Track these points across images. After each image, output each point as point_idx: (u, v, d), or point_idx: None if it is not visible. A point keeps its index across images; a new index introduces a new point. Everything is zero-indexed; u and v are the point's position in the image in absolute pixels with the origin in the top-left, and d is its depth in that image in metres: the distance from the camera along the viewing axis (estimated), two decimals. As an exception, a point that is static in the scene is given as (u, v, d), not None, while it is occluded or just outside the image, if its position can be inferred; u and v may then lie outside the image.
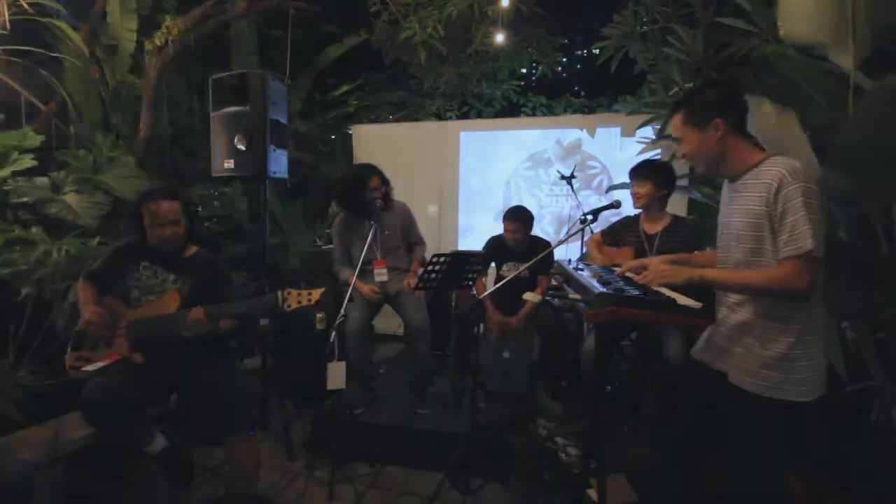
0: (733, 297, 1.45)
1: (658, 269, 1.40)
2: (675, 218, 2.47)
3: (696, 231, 2.41)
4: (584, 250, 3.12)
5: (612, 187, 3.53)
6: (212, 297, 1.97)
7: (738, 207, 1.39)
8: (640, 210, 2.52)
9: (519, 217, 2.84)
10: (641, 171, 2.45)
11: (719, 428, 1.49)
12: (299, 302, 1.90)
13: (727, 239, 1.45)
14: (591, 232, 2.60)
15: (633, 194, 2.48)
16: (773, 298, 1.33)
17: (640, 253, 2.43)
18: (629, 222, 2.58)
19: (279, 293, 1.90)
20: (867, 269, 1.75)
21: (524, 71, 5.91)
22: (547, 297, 3.00)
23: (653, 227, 2.46)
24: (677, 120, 1.44)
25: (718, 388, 1.44)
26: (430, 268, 2.22)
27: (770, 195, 1.27)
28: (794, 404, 1.31)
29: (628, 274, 1.55)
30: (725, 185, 1.49)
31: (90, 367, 1.87)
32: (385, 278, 2.74)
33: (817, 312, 1.34)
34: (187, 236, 2.07)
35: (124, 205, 2.06)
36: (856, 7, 1.72)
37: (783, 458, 1.40)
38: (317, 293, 1.92)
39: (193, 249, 2.13)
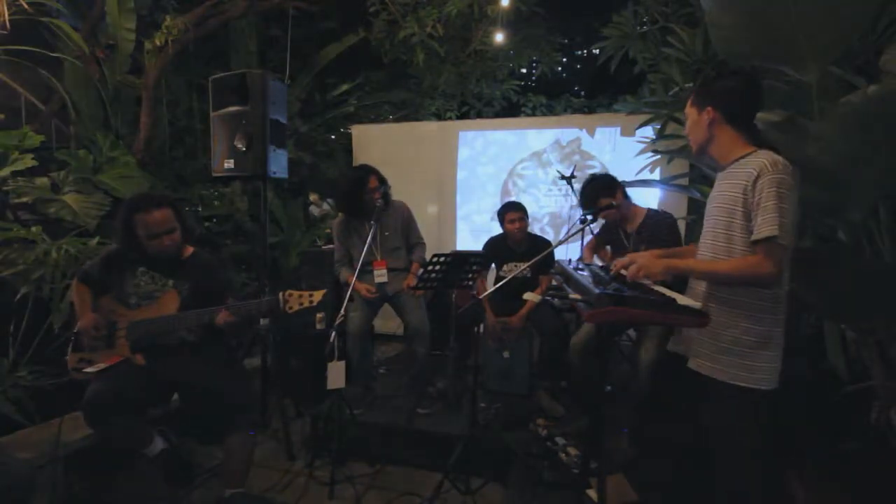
0: (694, 284, 1.51)
1: (638, 264, 1.45)
2: (648, 212, 2.51)
3: (666, 222, 2.42)
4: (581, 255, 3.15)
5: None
6: (211, 297, 1.96)
7: (717, 195, 1.47)
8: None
9: (518, 206, 2.93)
10: (587, 198, 2.47)
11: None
12: (300, 304, 1.90)
13: (707, 226, 1.52)
14: (592, 232, 2.62)
15: (603, 217, 2.47)
16: (743, 286, 1.38)
17: (621, 249, 2.48)
18: (612, 224, 2.60)
19: (280, 295, 1.89)
20: (861, 271, 1.75)
21: (524, 71, 5.92)
22: (547, 297, 3.01)
23: (631, 226, 2.52)
24: (690, 99, 1.54)
25: (683, 374, 1.50)
26: (429, 268, 2.22)
27: (749, 183, 1.34)
28: (748, 391, 1.36)
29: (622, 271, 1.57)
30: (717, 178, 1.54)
31: (92, 369, 1.86)
32: (385, 279, 2.73)
33: (775, 305, 1.37)
34: (184, 240, 2.04)
35: (115, 212, 2.01)
36: (806, 22, 1.71)
37: (746, 444, 1.43)
38: (318, 295, 1.91)
39: (190, 251, 2.11)
